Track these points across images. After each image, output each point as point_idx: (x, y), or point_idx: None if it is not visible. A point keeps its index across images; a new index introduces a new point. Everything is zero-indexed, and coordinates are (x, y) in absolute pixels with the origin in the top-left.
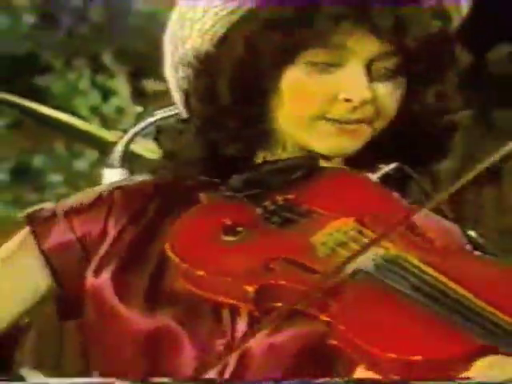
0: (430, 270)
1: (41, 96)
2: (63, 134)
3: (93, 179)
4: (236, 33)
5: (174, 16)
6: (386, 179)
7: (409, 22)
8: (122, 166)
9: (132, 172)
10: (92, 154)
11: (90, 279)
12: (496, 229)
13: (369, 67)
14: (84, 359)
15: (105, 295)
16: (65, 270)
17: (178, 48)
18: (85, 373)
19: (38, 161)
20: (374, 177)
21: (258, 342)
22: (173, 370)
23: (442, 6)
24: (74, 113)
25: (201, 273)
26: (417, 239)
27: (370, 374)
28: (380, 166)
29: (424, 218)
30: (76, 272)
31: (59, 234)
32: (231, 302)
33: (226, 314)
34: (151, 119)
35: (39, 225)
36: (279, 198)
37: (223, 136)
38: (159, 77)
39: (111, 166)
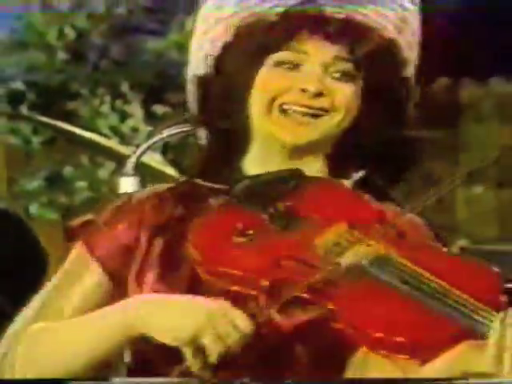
0: (410, 265)
1: (70, 118)
2: (88, 148)
3: (112, 185)
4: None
5: None
6: (358, 185)
7: (359, 32)
8: (134, 174)
9: (143, 179)
10: (111, 165)
11: (132, 285)
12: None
13: (326, 68)
14: None
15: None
16: (118, 272)
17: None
18: None
19: (67, 170)
20: (348, 183)
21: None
22: None
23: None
24: (97, 132)
25: (219, 268)
26: (393, 236)
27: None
28: (353, 173)
29: (395, 213)
30: (125, 275)
31: (105, 242)
32: (248, 292)
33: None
34: (159, 136)
35: (88, 236)
36: (280, 205)
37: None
38: (166, 102)
39: (126, 175)
